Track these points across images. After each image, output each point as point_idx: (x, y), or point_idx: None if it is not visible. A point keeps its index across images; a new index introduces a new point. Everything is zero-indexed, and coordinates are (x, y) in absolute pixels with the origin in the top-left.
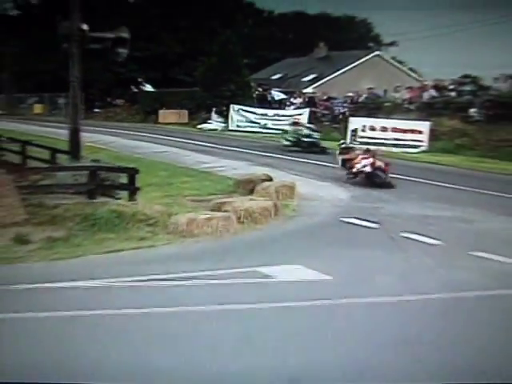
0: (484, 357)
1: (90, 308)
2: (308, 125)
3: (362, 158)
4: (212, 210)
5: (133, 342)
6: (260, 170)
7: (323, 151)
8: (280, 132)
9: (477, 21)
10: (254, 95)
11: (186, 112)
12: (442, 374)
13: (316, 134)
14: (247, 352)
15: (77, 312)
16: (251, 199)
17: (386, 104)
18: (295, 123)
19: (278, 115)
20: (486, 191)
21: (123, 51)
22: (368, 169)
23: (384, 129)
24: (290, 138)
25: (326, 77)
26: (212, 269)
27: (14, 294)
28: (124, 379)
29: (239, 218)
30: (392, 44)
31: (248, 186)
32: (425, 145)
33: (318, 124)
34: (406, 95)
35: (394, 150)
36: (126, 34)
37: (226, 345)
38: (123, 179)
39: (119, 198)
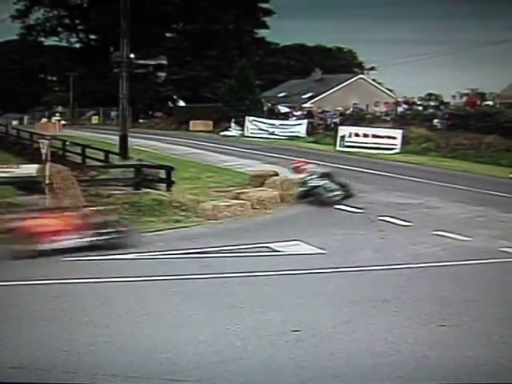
0: (441, 309)
1: (136, 275)
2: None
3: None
4: (231, 199)
5: (173, 299)
6: (268, 167)
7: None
8: (284, 138)
9: (436, 52)
10: (265, 109)
11: (211, 122)
12: (405, 316)
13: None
14: (259, 309)
15: (126, 278)
16: (262, 190)
17: (368, 116)
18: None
19: (283, 124)
20: (445, 184)
21: (162, 74)
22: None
23: (366, 135)
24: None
25: (320, 94)
26: (232, 244)
27: (76, 265)
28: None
29: (252, 204)
30: (372, 69)
31: (259, 180)
32: (398, 148)
33: (314, 131)
34: (383, 109)
35: (374, 151)
36: (164, 61)
37: (243, 303)
38: (162, 174)
39: (159, 189)
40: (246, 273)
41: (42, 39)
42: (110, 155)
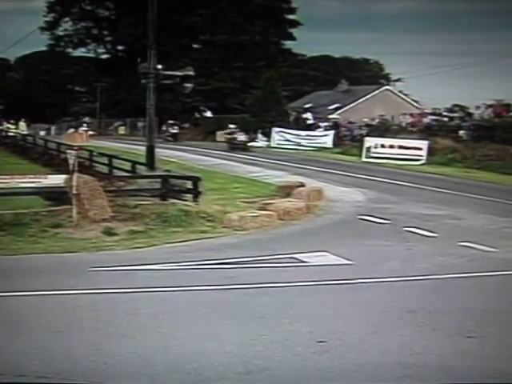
0: (467, 320)
1: (163, 286)
2: None
3: None
4: (258, 209)
5: (200, 310)
6: (295, 178)
7: None
8: (311, 148)
9: (461, 63)
10: (291, 118)
11: None
12: (431, 327)
13: None
14: (286, 319)
15: (153, 288)
16: (288, 201)
17: (394, 127)
18: None
19: (309, 135)
20: (471, 195)
21: (189, 85)
22: None
23: (392, 146)
24: None
25: (346, 106)
26: (259, 255)
27: (103, 275)
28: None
29: (279, 215)
30: (398, 80)
31: (286, 191)
32: (424, 159)
33: (340, 142)
34: (409, 120)
35: (400, 162)
36: (191, 72)
37: (270, 314)
38: (188, 185)
39: (186, 200)
40: (272, 283)
41: (70, 50)
42: (137, 166)
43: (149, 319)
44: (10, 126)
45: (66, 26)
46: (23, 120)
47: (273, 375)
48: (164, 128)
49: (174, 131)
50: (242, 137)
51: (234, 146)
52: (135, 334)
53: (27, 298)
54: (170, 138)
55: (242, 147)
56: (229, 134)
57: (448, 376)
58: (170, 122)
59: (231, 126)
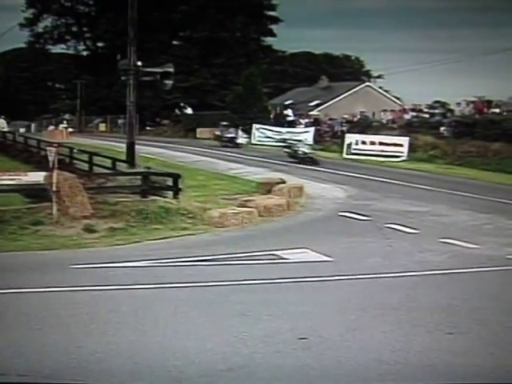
0: (448, 317)
1: (144, 283)
2: None
3: None
4: (238, 206)
5: (180, 307)
6: (275, 175)
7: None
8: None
9: (442, 60)
10: (271, 115)
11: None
12: (412, 324)
13: None
14: (266, 316)
15: (134, 286)
16: (269, 197)
17: (375, 123)
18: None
19: (289, 132)
20: (452, 191)
21: (169, 82)
22: None
23: (373, 143)
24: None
25: (327, 102)
26: (239, 252)
27: (84, 272)
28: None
29: (260, 212)
30: (379, 77)
31: (266, 187)
32: (405, 155)
33: (321, 139)
34: (390, 116)
35: (381, 159)
36: (171, 69)
37: (250, 311)
38: (169, 182)
39: (166, 197)
40: (253, 280)
41: (50, 47)
42: (118, 163)
43: (129, 316)
44: None
45: (46, 22)
46: (3, 117)
47: (253, 372)
48: (218, 132)
49: (233, 135)
50: (231, 134)
51: (224, 143)
52: (116, 332)
53: (7, 296)
54: (229, 144)
55: (232, 144)
56: (220, 130)
57: (428, 372)
58: (223, 123)
59: (223, 123)
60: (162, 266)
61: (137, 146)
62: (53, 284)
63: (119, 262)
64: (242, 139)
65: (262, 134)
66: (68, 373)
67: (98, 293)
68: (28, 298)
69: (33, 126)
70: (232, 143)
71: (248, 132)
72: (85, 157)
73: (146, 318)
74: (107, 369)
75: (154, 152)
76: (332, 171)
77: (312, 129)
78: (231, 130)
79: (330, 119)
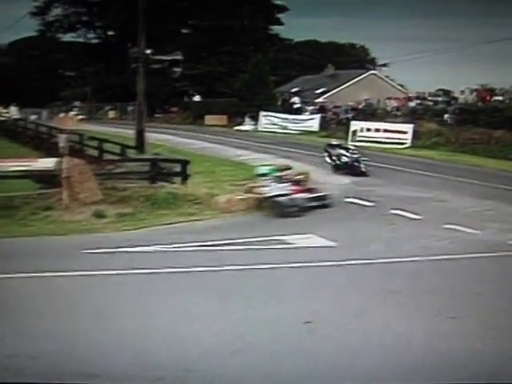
0: (450, 301)
1: (152, 267)
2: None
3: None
4: (245, 192)
5: (186, 291)
6: (282, 161)
7: None
8: (297, 132)
9: (446, 48)
10: (279, 103)
11: (225, 117)
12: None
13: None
14: (273, 301)
15: (143, 270)
16: None
17: (379, 111)
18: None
19: (296, 119)
20: (455, 178)
21: (178, 70)
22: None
23: (377, 130)
24: None
25: (332, 90)
26: (245, 237)
27: (94, 257)
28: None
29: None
30: (384, 65)
31: None
32: (408, 142)
33: (326, 126)
34: (395, 104)
35: (385, 146)
36: (179, 57)
37: (256, 295)
38: (177, 168)
39: (174, 183)
40: (258, 265)
41: (60, 35)
42: (127, 149)
43: (134, 301)
44: (1, 110)
45: (57, 11)
46: (14, 104)
47: (259, 355)
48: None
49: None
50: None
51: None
52: (123, 316)
53: (19, 280)
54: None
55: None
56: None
57: (430, 356)
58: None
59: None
60: (169, 251)
61: (146, 133)
62: (61, 269)
63: (128, 247)
64: (245, 126)
65: (269, 121)
66: (74, 357)
67: (105, 277)
68: (40, 283)
69: (44, 113)
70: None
71: (255, 119)
72: (95, 143)
73: (152, 303)
74: (112, 352)
75: (163, 139)
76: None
77: (318, 116)
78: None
79: (336, 107)
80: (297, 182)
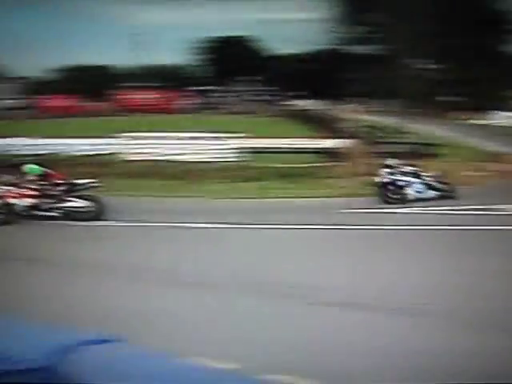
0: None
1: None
2: None
3: None
4: (475, 171)
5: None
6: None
7: None
8: None
9: None
10: None
11: None
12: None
13: None
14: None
15: (389, 227)
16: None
17: None
18: None
19: None
20: None
21: None
22: None
23: None
24: None
25: None
26: (475, 204)
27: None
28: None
29: (491, 175)
30: None
31: (496, 158)
32: None
33: None
34: None
35: None
36: None
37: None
38: (425, 150)
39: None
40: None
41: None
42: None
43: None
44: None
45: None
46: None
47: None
48: None
49: None
50: None
51: None
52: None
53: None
54: None
55: None
56: None
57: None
58: None
59: None
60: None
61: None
62: (320, 223)
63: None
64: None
65: None
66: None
67: (353, 232)
68: (298, 234)
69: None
70: None
71: None
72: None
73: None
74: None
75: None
76: None
77: None
78: None
79: None
80: None
